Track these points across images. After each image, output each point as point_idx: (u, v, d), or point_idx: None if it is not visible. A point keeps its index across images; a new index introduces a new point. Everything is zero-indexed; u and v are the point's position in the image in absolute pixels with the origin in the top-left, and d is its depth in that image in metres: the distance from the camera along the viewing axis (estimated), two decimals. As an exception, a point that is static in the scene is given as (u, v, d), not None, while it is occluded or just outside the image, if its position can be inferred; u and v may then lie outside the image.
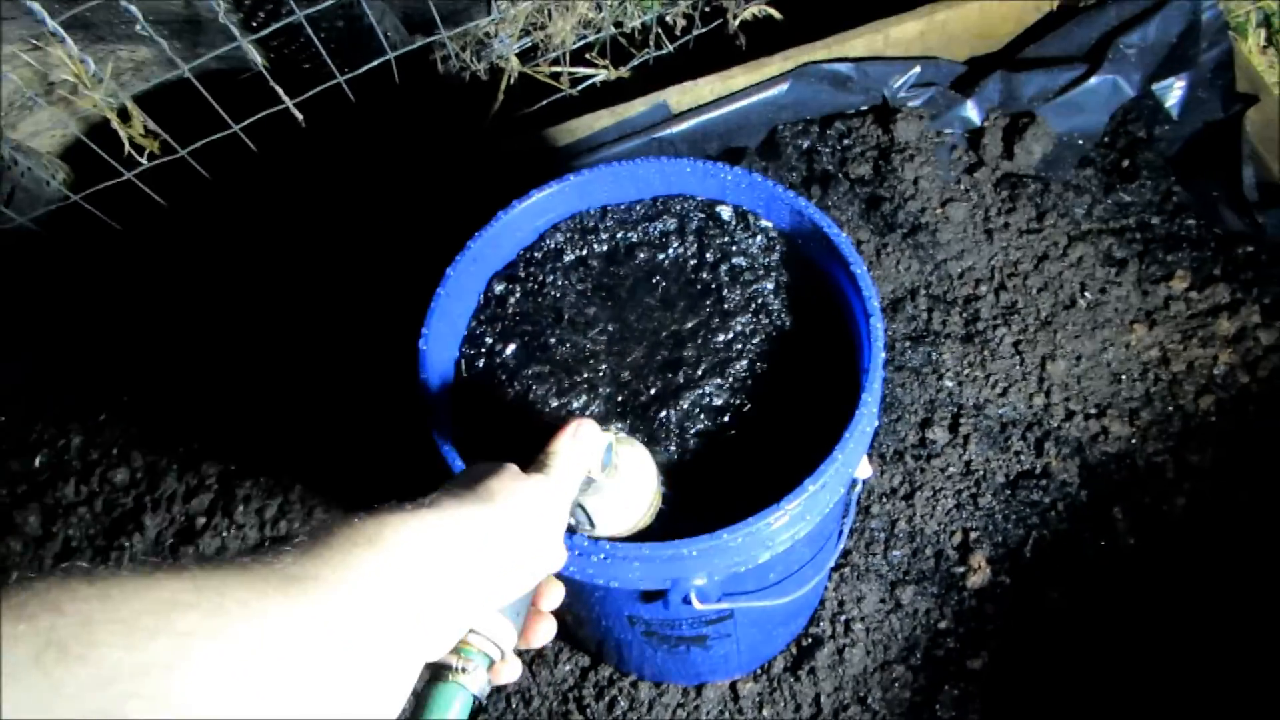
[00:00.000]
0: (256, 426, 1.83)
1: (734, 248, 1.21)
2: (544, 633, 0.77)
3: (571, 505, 0.82)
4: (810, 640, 1.57)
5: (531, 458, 0.80)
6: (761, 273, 1.19)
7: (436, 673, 0.65)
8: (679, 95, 2.04)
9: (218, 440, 1.83)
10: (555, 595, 0.78)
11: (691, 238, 1.22)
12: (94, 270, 1.96)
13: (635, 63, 2.16)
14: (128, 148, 1.73)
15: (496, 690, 1.04)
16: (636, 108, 2.03)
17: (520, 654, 0.74)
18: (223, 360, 1.92)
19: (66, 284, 1.95)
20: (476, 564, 0.60)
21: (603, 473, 0.85)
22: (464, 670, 0.65)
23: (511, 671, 0.72)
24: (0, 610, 0.36)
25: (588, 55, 2.18)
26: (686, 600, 1.04)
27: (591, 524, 0.88)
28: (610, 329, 1.16)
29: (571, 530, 0.92)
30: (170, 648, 0.38)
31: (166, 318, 1.96)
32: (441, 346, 1.13)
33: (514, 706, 1.58)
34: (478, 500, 0.65)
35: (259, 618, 0.43)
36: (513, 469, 0.71)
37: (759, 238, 1.22)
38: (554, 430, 0.82)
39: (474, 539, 0.61)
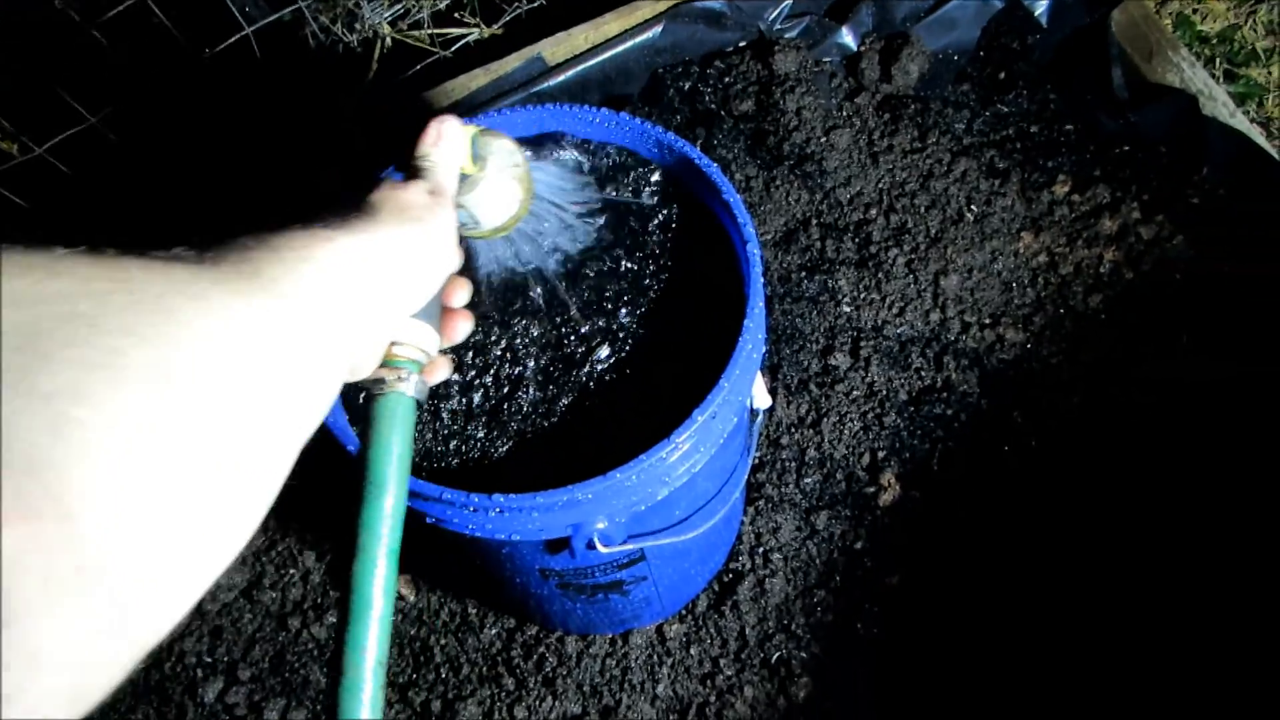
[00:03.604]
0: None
1: (609, 189, 1.19)
2: (463, 329, 0.81)
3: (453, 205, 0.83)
4: (731, 575, 1.58)
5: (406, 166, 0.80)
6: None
7: (375, 389, 0.69)
8: (553, 47, 2.00)
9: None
10: (463, 293, 0.81)
11: (566, 182, 1.20)
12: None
13: (507, 18, 2.12)
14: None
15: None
16: (511, 64, 1.99)
17: (446, 353, 0.80)
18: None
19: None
20: (376, 275, 0.61)
21: (474, 165, 0.84)
22: (400, 379, 0.70)
23: (443, 370, 0.79)
24: None
25: (458, 14, 2.13)
26: (591, 546, 1.03)
27: (476, 221, 0.88)
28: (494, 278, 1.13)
29: (461, 234, 0.90)
30: (105, 284, 0.39)
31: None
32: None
33: (444, 676, 1.57)
34: (363, 217, 0.65)
35: (184, 285, 0.44)
36: (390, 181, 0.72)
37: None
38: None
39: (368, 252, 0.61)
